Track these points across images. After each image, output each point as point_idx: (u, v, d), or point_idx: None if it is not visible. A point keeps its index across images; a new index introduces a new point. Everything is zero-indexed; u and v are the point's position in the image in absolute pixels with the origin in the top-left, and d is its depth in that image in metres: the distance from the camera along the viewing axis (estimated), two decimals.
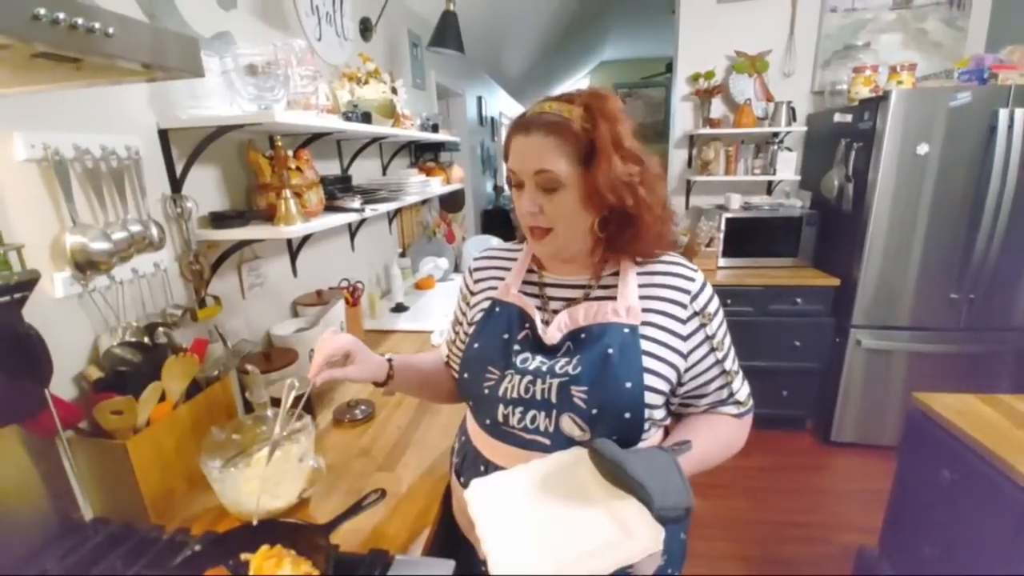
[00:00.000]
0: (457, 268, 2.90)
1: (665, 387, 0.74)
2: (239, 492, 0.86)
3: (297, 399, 0.86)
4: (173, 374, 0.96)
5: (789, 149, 2.84)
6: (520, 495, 0.68)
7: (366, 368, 0.84)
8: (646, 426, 0.74)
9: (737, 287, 2.54)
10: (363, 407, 1.27)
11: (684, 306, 0.75)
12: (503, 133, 6.06)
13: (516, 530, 0.63)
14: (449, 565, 0.76)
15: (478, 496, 0.69)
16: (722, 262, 2.70)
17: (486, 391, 0.79)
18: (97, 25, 0.49)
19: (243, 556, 0.74)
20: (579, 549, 0.60)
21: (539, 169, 0.71)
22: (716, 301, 0.78)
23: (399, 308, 2.11)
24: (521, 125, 0.73)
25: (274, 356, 1.29)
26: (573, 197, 0.71)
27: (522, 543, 0.61)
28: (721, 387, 0.79)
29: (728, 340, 0.79)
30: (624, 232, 0.75)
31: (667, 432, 0.83)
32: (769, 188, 3.04)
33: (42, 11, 0.44)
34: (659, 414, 0.77)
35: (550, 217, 0.73)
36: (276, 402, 1.09)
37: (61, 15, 0.45)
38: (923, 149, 2.12)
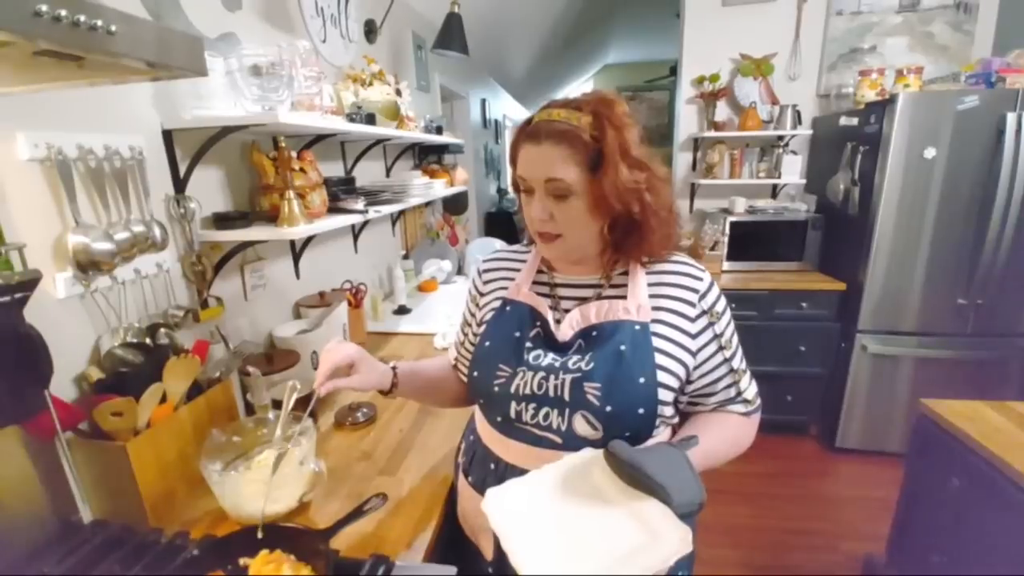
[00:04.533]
0: (460, 271, 2.89)
1: (675, 384, 0.75)
2: (239, 495, 0.86)
3: (301, 401, 0.86)
4: (174, 375, 0.96)
5: (794, 152, 2.83)
6: (539, 502, 0.66)
7: (371, 378, 0.84)
8: (657, 423, 0.75)
9: (742, 291, 2.52)
10: (365, 410, 1.26)
11: (693, 304, 0.76)
12: (507, 136, 6.12)
13: (543, 540, 0.62)
14: (451, 571, 0.75)
15: (497, 506, 0.67)
16: (727, 266, 2.69)
17: (497, 388, 0.79)
18: (99, 23, 0.49)
19: (242, 561, 0.73)
20: (610, 555, 0.59)
21: (550, 177, 0.72)
22: (723, 301, 0.79)
23: (402, 310, 2.10)
24: (531, 133, 0.73)
25: (276, 358, 1.28)
26: (582, 204, 0.73)
27: (551, 551, 0.60)
28: (729, 385, 0.80)
29: (736, 339, 0.80)
30: (630, 236, 0.76)
31: (674, 431, 0.84)
32: (774, 192, 3.02)
33: (44, 8, 0.43)
34: (669, 411, 0.78)
35: (560, 223, 0.74)
36: (277, 404, 1.09)
37: (63, 12, 0.45)
38: (930, 153, 2.10)
